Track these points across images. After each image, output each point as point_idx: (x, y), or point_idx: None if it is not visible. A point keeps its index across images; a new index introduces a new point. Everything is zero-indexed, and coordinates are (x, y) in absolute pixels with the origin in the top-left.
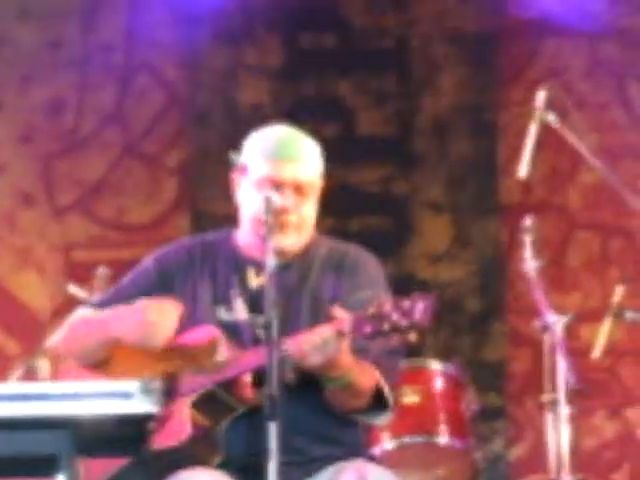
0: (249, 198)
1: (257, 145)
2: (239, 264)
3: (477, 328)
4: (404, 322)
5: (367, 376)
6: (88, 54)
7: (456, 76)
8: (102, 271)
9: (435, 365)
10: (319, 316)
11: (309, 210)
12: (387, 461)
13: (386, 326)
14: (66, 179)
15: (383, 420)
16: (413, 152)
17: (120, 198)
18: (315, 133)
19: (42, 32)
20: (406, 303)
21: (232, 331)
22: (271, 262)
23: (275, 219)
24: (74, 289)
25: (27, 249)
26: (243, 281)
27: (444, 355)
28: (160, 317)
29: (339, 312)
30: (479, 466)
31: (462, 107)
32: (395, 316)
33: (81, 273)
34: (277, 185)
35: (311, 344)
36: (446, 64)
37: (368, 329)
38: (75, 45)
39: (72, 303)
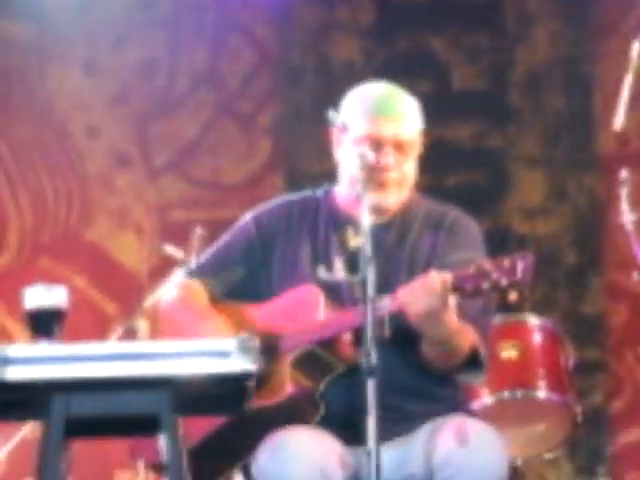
0: (348, 156)
1: (356, 103)
2: (338, 223)
3: (575, 282)
4: (504, 281)
5: (466, 337)
6: (180, 14)
7: (550, 29)
8: (198, 232)
9: (533, 320)
10: (416, 275)
11: (409, 168)
12: (486, 416)
13: (486, 285)
14: (161, 140)
15: (476, 380)
16: (508, 106)
17: (214, 158)
18: (408, 90)
19: None
20: (506, 262)
21: (331, 290)
22: (366, 220)
23: (376, 177)
24: (170, 250)
25: (124, 211)
26: (342, 240)
27: (542, 310)
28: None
29: (437, 272)
30: (578, 420)
31: (556, 60)
32: (495, 275)
33: (177, 233)
34: (377, 143)
35: (418, 290)
36: (540, 17)
37: (469, 287)
38: (167, 5)
39: (168, 264)
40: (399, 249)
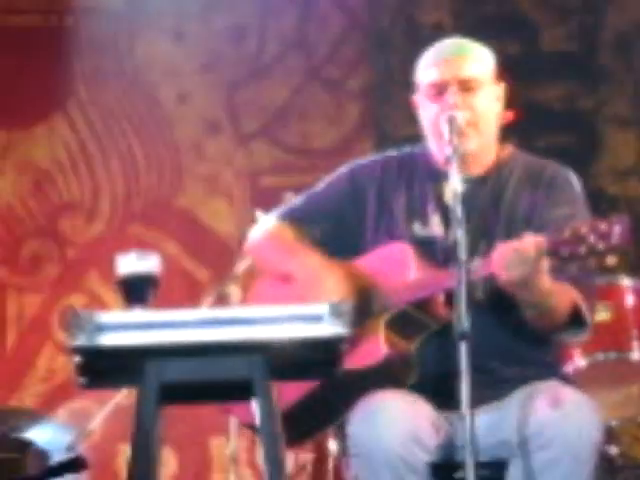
0: (425, 113)
1: (421, 60)
2: (435, 178)
3: None
4: (601, 245)
5: (565, 297)
6: None
7: None
8: (289, 197)
9: (626, 281)
10: (514, 233)
11: (484, 107)
12: (580, 379)
13: (583, 249)
14: (250, 106)
15: (580, 338)
16: (598, 68)
17: (304, 123)
18: (498, 51)
19: None
20: (603, 225)
21: (427, 247)
22: (457, 181)
23: (448, 122)
24: (261, 215)
25: (214, 177)
26: (439, 196)
27: (635, 271)
28: (335, 296)
29: (532, 235)
30: None
31: None
32: (592, 239)
33: (267, 199)
34: (440, 88)
35: (512, 256)
36: None
37: (565, 251)
38: None
39: None
40: (496, 205)
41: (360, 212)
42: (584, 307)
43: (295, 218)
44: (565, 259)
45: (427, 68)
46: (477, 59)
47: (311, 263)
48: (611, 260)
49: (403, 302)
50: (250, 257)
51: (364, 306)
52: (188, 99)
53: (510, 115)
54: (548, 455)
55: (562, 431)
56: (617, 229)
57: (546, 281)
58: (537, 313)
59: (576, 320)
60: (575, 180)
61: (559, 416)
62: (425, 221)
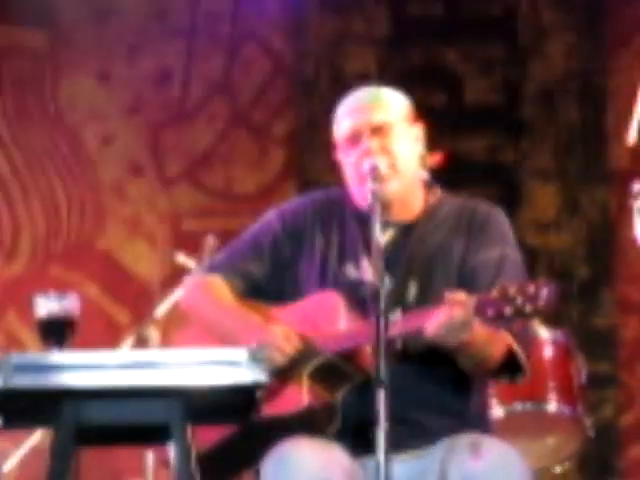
0: (345, 163)
1: (337, 112)
2: (363, 221)
3: (586, 295)
4: (528, 307)
5: (499, 344)
6: (195, 24)
7: (564, 42)
8: (210, 241)
9: (544, 333)
10: (448, 278)
11: (398, 148)
12: (497, 428)
13: (509, 310)
14: (174, 149)
15: (517, 381)
16: (521, 120)
17: (228, 168)
18: (422, 102)
19: (149, 2)
20: (531, 288)
21: (358, 290)
22: (379, 236)
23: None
24: (183, 259)
25: (136, 219)
26: (368, 239)
27: (553, 323)
28: (284, 342)
29: (460, 295)
30: (589, 434)
31: (570, 73)
32: (519, 300)
33: (189, 243)
34: (355, 137)
35: (444, 327)
36: (554, 30)
37: (491, 313)
38: (182, 15)
39: (181, 273)
40: (426, 250)
41: (293, 255)
42: (518, 350)
43: (225, 270)
44: (490, 319)
45: (340, 121)
46: (387, 103)
47: (253, 322)
48: (535, 321)
49: (329, 352)
50: (186, 313)
51: (299, 353)
52: (112, 141)
53: (438, 157)
54: None
55: (486, 479)
56: (544, 292)
57: (480, 336)
58: (471, 363)
59: (511, 364)
60: (505, 219)
61: (484, 467)
62: (357, 264)
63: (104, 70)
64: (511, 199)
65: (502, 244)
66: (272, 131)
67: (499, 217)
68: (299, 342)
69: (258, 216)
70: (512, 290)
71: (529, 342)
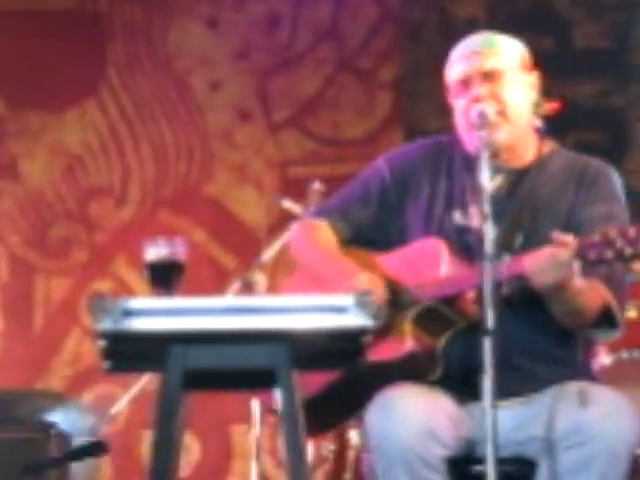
0: (456, 111)
1: (450, 57)
2: (472, 168)
3: None
4: (629, 250)
5: (595, 296)
6: None
7: None
8: (316, 186)
9: None
10: (553, 230)
11: (510, 95)
12: (604, 377)
13: (610, 253)
14: (281, 95)
15: (612, 337)
16: (630, 65)
17: (334, 113)
18: (530, 47)
19: None
20: (632, 231)
21: (465, 237)
22: (486, 181)
23: (478, 119)
24: (289, 204)
25: (244, 165)
26: (477, 186)
27: None
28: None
29: (563, 236)
30: None
31: None
32: (620, 244)
33: (296, 189)
34: (466, 82)
35: (544, 263)
36: None
37: (592, 255)
38: None
39: (287, 218)
40: (535, 200)
41: (401, 202)
42: (615, 306)
43: (332, 215)
44: (592, 262)
45: (453, 66)
46: (500, 50)
47: (347, 268)
48: (637, 266)
49: (432, 298)
50: (291, 255)
51: (393, 300)
52: (220, 86)
53: (554, 106)
54: (583, 454)
55: (597, 431)
56: None
57: (576, 282)
58: (567, 313)
59: (607, 319)
60: (617, 178)
61: (593, 415)
62: (465, 210)
63: (213, 16)
64: (619, 145)
65: (612, 202)
66: (379, 77)
67: (612, 175)
68: (388, 293)
69: (364, 162)
70: (613, 233)
71: (625, 295)
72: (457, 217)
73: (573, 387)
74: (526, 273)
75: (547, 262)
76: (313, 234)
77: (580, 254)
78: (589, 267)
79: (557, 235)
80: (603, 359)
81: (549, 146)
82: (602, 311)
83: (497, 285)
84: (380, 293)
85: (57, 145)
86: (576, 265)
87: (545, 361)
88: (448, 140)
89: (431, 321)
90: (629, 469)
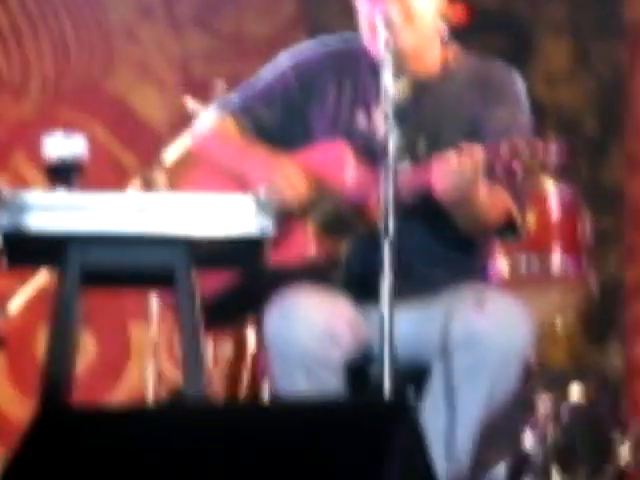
0: (360, 12)
1: None
2: (377, 72)
3: (594, 150)
4: (536, 163)
5: (498, 204)
6: None
7: None
8: (219, 85)
9: (551, 188)
10: (457, 136)
11: (417, 0)
12: (501, 282)
13: (517, 165)
14: None
15: (512, 240)
16: None
17: (238, 11)
18: None
19: None
20: (539, 143)
21: (367, 141)
22: (389, 86)
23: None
24: (192, 103)
25: (146, 63)
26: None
27: (560, 177)
28: (294, 179)
29: (470, 146)
30: (593, 289)
31: None
32: (527, 155)
33: (199, 87)
34: None
35: (450, 175)
36: None
37: (499, 166)
38: None
39: (190, 117)
40: (440, 107)
41: (306, 105)
42: (517, 213)
43: (239, 112)
44: (498, 172)
45: None
46: None
47: (262, 158)
48: (543, 181)
49: (336, 202)
50: (197, 154)
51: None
52: None
53: (459, 13)
54: (474, 358)
55: (490, 334)
56: (552, 148)
57: (480, 192)
58: (470, 221)
59: (509, 224)
60: (521, 82)
61: (487, 319)
62: (368, 114)
63: None
64: (522, 52)
65: (515, 106)
66: None
67: (516, 80)
68: (305, 184)
69: (268, 61)
70: (521, 145)
71: (525, 201)
72: (361, 121)
73: (469, 292)
74: (431, 183)
75: (452, 173)
76: (217, 129)
77: (487, 164)
78: (495, 178)
79: (466, 146)
80: (501, 264)
81: (454, 53)
82: (504, 217)
83: (399, 194)
84: (304, 184)
85: None
86: (481, 175)
87: (443, 265)
88: (353, 42)
89: (335, 225)
90: (520, 376)
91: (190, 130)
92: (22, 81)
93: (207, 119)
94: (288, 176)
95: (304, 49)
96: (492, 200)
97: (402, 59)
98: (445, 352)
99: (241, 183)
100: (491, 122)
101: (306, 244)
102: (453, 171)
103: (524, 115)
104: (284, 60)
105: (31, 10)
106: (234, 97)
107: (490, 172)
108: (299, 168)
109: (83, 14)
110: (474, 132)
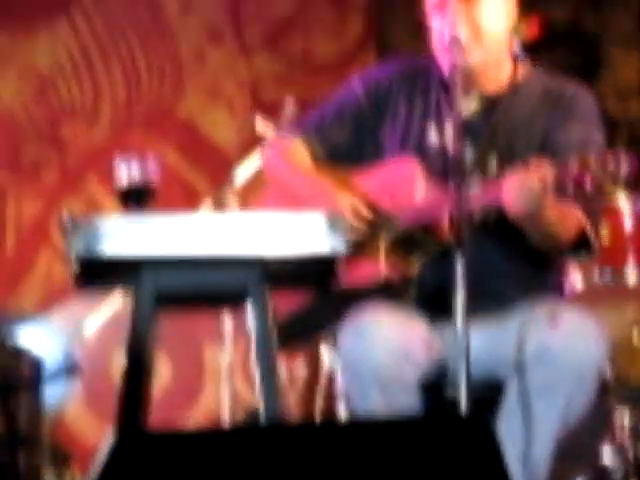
0: (431, 32)
1: None
2: (448, 88)
3: None
4: (608, 178)
5: (571, 221)
6: None
7: None
8: (289, 104)
9: (624, 202)
10: (529, 153)
11: (486, 17)
12: (576, 298)
13: (589, 180)
14: (254, 16)
15: (585, 259)
16: None
17: (307, 35)
18: None
19: None
20: (611, 158)
21: (439, 156)
22: (460, 105)
23: (451, 43)
24: (261, 125)
25: (215, 86)
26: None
27: (633, 191)
28: (353, 213)
29: (540, 164)
30: None
31: None
32: (599, 171)
33: (268, 110)
34: (442, 4)
35: (519, 190)
36: None
37: (571, 182)
38: None
39: (259, 139)
40: (511, 123)
41: (376, 120)
42: (589, 229)
43: (309, 133)
44: (569, 190)
45: None
46: None
47: (327, 188)
48: (616, 194)
49: (408, 222)
50: (264, 174)
51: (371, 221)
52: (191, 6)
53: (532, 28)
54: (550, 375)
55: (565, 350)
56: (624, 163)
57: (552, 209)
58: (543, 238)
59: (582, 241)
60: (593, 100)
61: (562, 335)
62: (440, 129)
63: None
64: (592, 66)
65: (588, 124)
66: None
67: (588, 97)
68: (369, 213)
69: (337, 84)
70: (592, 161)
71: (598, 218)
72: (432, 135)
73: (543, 307)
74: (502, 200)
75: (522, 190)
76: (286, 152)
77: (558, 180)
78: (566, 194)
79: (535, 162)
80: (574, 279)
81: (525, 68)
82: (577, 234)
83: (470, 211)
84: (363, 214)
85: (28, 66)
86: (551, 192)
87: (516, 282)
88: (423, 60)
89: (406, 246)
90: (596, 390)
91: (260, 151)
92: (94, 107)
93: (275, 141)
94: (351, 207)
95: (374, 69)
96: (564, 216)
97: (471, 76)
98: (520, 368)
99: (307, 208)
100: (564, 139)
101: (377, 267)
102: (522, 187)
103: (598, 132)
104: (354, 81)
105: (101, 36)
106: (305, 118)
107: (561, 188)
108: (363, 196)
109: (153, 39)
110: (546, 149)
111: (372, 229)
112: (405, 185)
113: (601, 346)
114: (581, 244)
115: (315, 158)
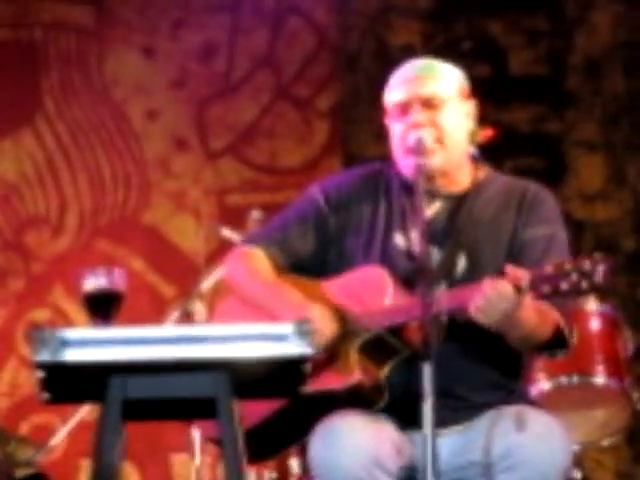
0: (393, 132)
1: (390, 81)
2: (411, 193)
3: (633, 268)
4: (584, 284)
5: (547, 321)
6: None
7: (610, 13)
8: (255, 214)
9: (592, 305)
10: (497, 253)
11: (448, 122)
12: (543, 402)
13: (565, 286)
14: (219, 123)
15: (560, 357)
16: (566, 91)
17: (272, 141)
18: (467, 73)
19: None
20: (587, 263)
21: (406, 260)
22: (423, 211)
23: (413, 141)
24: (228, 233)
25: (181, 194)
26: (416, 210)
27: (600, 296)
28: (321, 323)
29: (515, 269)
30: (637, 407)
31: (616, 45)
32: (575, 276)
33: (235, 217)
34: (404, 108)
35: (487, 299)
36: (599, 1)
37: (546, 288)
38: None
39: (226, 247)
40: (476, 223)
41: (338, 228)
42: (565, 328)
43: (268, 242)
44: (546, 295)
45: (393, 89)
46: (440, 77)
47: (295, 299)
48: (591, 298)
49: (377, 327)
50: (230, 288)
51: (340, 329)
52: (157, 115)
53: (488, 133)
54: (516, 477)
55: (531, 454)
56: (601, 268)
57: (529, 315)
58: (519, 339)
59: (556, 339)
60: (555, 200)
61: (528, 439)
62: (405, 233)
63: (148, 45)
64: (556, 171)
65: (552, 223)
66: (316, 105)
67: (549, 197)
68: (338, 324)
69: (303, 190)
70: (568, 266)
71: (571, 315)
72: (398, 239)
73: (509, 411)
74: (469, 311)
75: (491, 299)
76: (249, 262)
77: (534, 286)
78: (541, 298)
79: (510, 269)
80: (542, 385)
81: (484, 171)
82: (553, 333)
83: (436, 315)
84: (332, 325)
85: None
86: (525, 298)
87: (485, 388)
88: (383, 165)
89: (377, 350)
90: None
91: (225, 260)
92: (59, 216)
93: (237, 251)
94: (316, 321)
95: (333, 176)
96: (540, 317)
97: (432, 179)
98: (487, 472)
99: (273, 319)
100: (531, 241)
101: (349, 371)
102: (491, 298)
103: (562, 231)
104: (313, 188)
105: (67, 146)
106: (264, 228)
107: (537, 294)
108: (331, 304)
109: (118, 147)
110: (513, 248)
111: (342, 335)
112: (374, 291)
113: (567, 450)
114: (557, 343)
115: (279, 268)
